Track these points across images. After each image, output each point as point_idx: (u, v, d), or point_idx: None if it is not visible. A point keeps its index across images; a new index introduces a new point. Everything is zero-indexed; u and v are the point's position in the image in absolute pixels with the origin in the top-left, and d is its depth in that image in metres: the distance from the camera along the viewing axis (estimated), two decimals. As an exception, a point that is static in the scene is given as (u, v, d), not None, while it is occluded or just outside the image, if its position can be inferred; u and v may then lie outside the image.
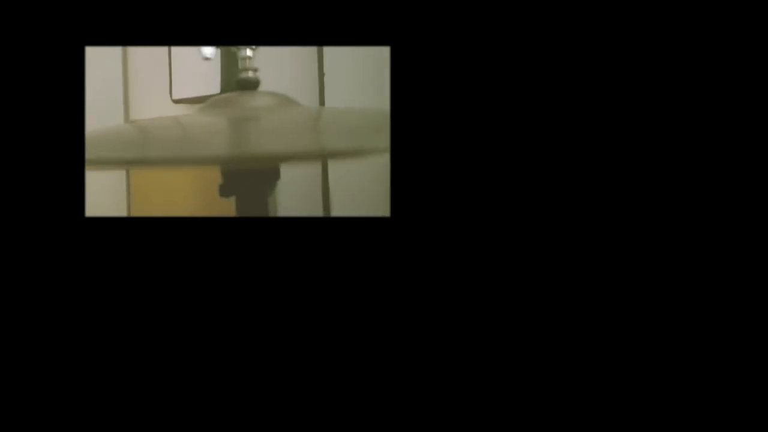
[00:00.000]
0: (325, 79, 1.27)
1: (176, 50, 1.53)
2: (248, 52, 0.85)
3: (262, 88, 0.84)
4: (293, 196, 1.21)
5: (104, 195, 1.67)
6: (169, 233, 0.71)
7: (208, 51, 1.38)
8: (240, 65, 0.84)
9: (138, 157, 0.74)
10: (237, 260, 0.69)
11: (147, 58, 1.64)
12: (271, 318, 0.67)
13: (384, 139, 0.61)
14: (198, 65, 1.42)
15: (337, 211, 1.27)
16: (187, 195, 1.49)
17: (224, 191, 0.83)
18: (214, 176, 1.39)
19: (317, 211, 1.28)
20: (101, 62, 1.59)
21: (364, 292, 0.64)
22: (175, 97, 1.52)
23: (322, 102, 1.28)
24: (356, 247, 0.64)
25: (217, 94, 1.34)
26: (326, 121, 0.85)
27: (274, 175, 0.84)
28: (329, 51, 1.30)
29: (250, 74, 0.83)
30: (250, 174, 0.83)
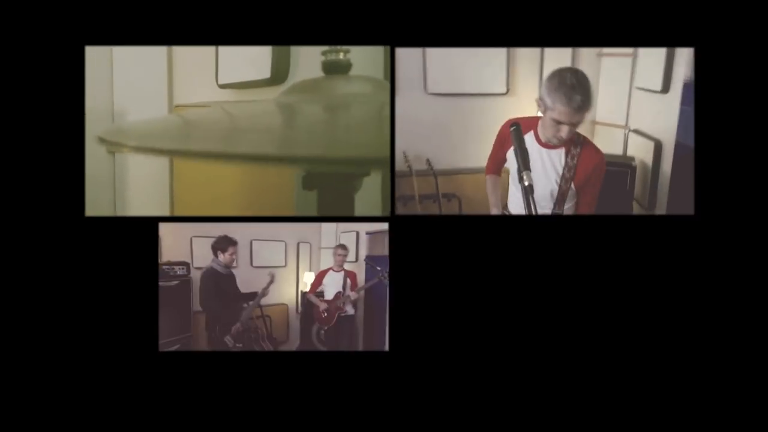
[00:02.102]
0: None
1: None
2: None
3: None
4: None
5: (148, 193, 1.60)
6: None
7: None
8: (327, 46, 0.76)
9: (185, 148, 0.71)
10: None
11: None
12: None
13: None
14: (246, 49, 1.34)
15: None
16: (229, 194, 1.40)
17: (307, 184, 0.74)
18: (260, 175, 1.31)
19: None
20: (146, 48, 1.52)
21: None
22: (222, 81, 1.44)
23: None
24: None
25: (267, 79, 1.25)
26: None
27: (362, 171, 0.75)
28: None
29: (341, 56, 0.75)
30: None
